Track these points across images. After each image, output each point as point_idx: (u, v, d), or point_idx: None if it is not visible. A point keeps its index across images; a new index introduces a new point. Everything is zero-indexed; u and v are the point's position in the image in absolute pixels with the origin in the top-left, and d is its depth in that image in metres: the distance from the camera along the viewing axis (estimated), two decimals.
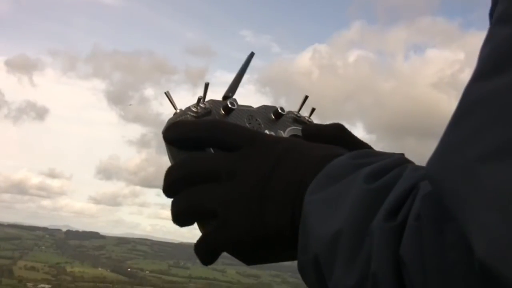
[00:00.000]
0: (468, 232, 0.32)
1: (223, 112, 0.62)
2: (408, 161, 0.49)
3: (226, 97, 0.65)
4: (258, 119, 0.64)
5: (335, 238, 0.44)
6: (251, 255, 0.55)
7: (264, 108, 0.66)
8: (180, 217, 0.56)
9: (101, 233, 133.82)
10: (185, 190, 0.55)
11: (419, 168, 0.46)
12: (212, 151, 0.57)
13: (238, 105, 0.63)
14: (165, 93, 0.61)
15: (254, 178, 0.52)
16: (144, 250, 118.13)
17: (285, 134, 0.64)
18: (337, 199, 0.46)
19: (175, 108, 0.61)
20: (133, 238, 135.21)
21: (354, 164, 0.48)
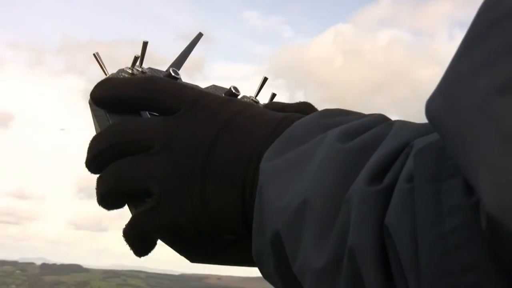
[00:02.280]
0: (477, 180, 0.25)
1: None
2: (389, 119, 0.41)
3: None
4: None
5: (301, 208, 0.35)
6: (193, 247, 0.45)
7: (214, 87, 0.55)
8: (107, 197, 0.46)
9: (83, 266, 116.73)
10: (113, 163, 0.45)
11: (408, 124, 0.37)
12: (149, 116, 0.47)
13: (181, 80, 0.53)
14: (93, 54, 0.52)
15: (195, 147, 0.43)
16: (138, 285, 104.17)
17: None
18: (303, 163, 0.37)
19: (106, 73, 0.52)
20: (123, 271, 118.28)
21: (323, 124, 0.40)
